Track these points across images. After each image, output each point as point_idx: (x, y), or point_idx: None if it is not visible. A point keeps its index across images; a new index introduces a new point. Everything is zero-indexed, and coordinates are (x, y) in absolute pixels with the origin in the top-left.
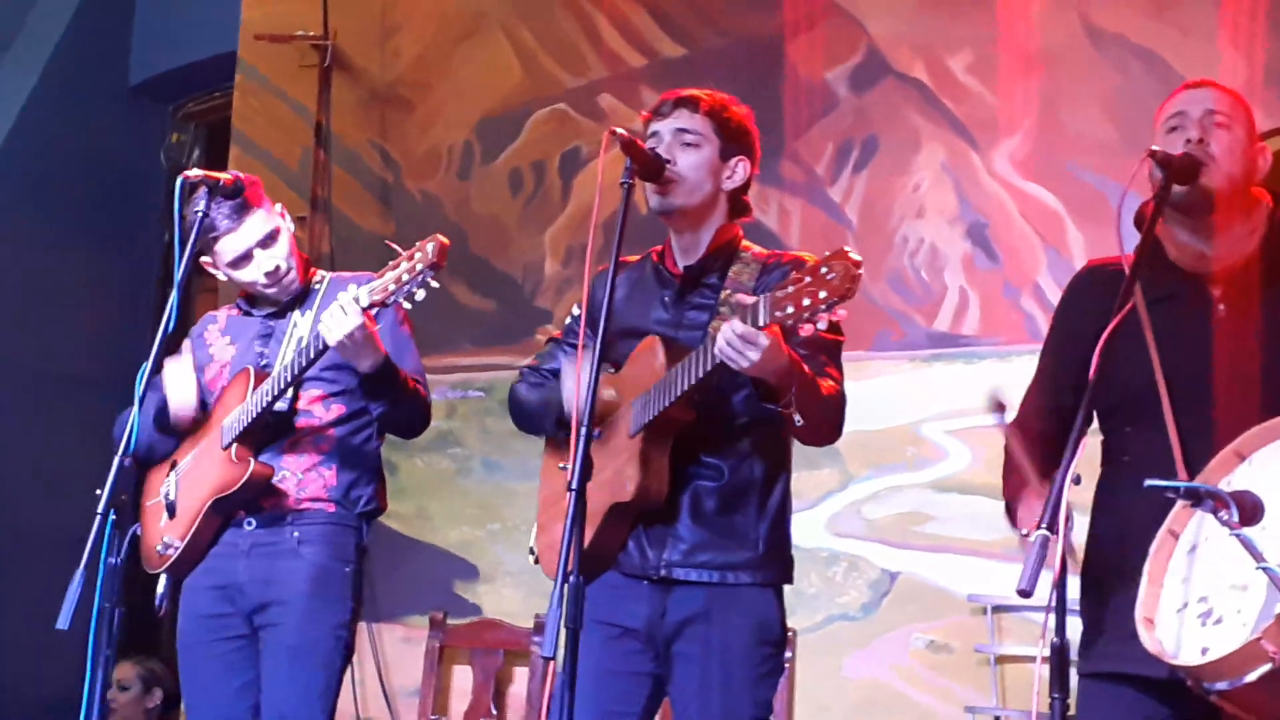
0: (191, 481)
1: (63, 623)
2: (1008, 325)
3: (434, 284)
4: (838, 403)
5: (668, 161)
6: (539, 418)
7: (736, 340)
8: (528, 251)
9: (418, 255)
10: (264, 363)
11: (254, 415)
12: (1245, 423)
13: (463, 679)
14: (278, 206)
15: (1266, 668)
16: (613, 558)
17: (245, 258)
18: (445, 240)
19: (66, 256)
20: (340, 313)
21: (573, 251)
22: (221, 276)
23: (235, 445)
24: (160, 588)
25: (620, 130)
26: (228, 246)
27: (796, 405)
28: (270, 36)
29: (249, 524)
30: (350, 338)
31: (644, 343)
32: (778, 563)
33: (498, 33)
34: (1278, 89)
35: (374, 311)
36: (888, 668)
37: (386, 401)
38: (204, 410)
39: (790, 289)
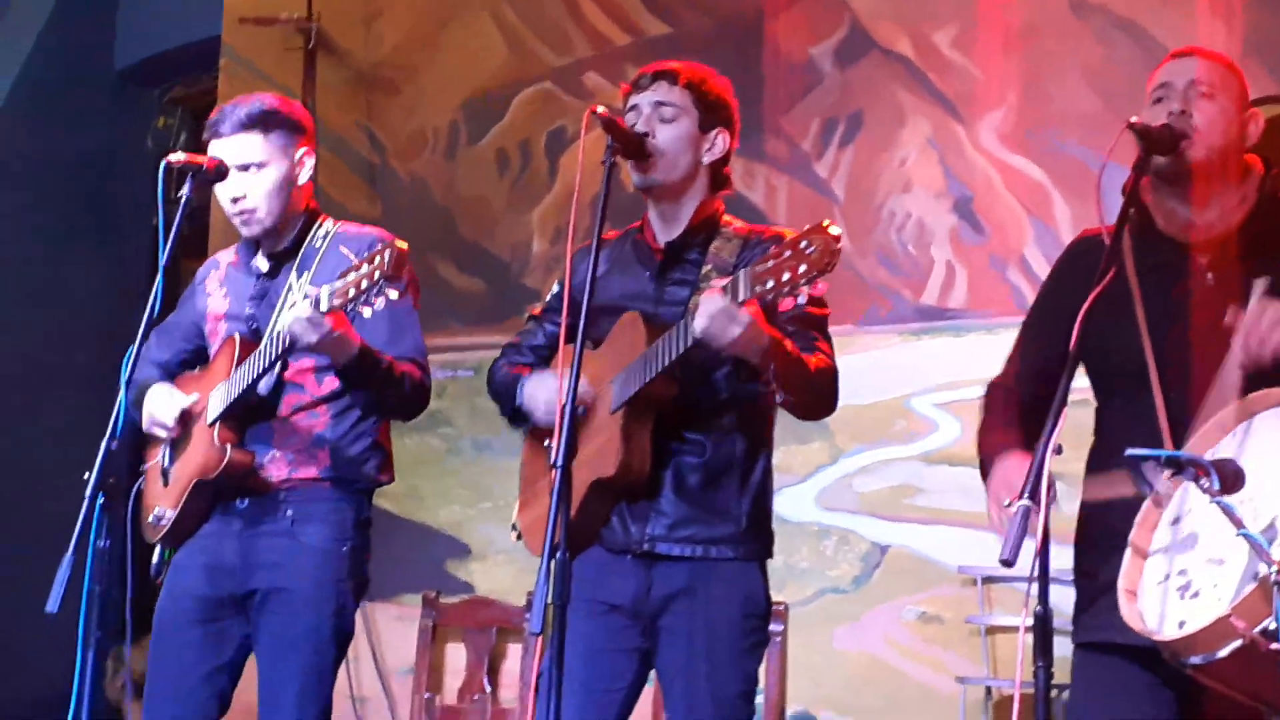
0: (184, 450)
1: (51, 606)
2: (995, 298)
3: (392, 293)
4: (828, 376)
5: (647, 136)
6: (501, 404)
7: (720, 316)
8: (515, 231)
9: (377, 261)
10: (254, 326)
11: (235, 396)
12: (1231, 394)
13: (456, 657)
14: (302, 151)
15: (1237, 644)
16: (596, 534)
17: (220, 173)
18: (403, 246)
19: (54, 243)
20: (300, 320)
21: (560, 231)
22: None
23: (219, 425)
24: (155, 556)
25: (601, 109)
26: (211, 152)
27: (779, 383)
28: (254, 20)
29: (241, 504)
30: (315, 344)
31: (624, 319)
32: (759, 537)
33: (482, 13)
34: (1257, 57)
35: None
36: (879, 640)
37: (367, 392)
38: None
39: (770, 263)
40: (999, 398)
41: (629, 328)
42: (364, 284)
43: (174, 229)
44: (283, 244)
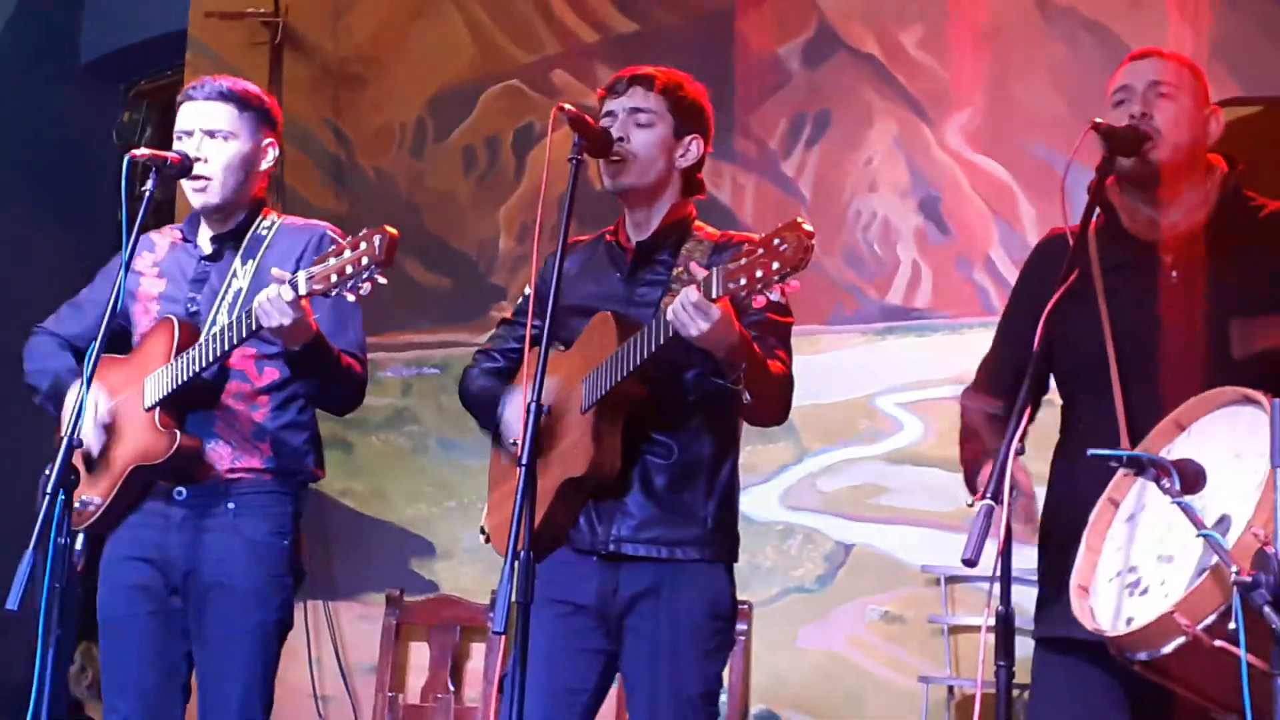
0: (112, 436)
1: (11, 603)
2: (960, 298)
3: (381, 280)
4: (786, 384)
5: (619, 139)
6: (478, 417)
7: (690, 307)
8: (482, 229)
9: (363, 247)
10: (193, 310)
11: (180, 383)
12: (1190, 391)
13: (420, 655)
14: (268, 141)
15: (1181, 640)
16: (564, 535)
17: (187, 134)
18: (394, 232)
19: (18, 237)
20: (279, 301)
21: (527, 228)
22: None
23: (159, 410)
24: (77, 544)
25: (568, 106)
26: (182, 115)
27: (746, 383)
28: (220, 14)
29: (179, 494)
30: (283, 329)
31: (596, 319)
32: (726, 540)
33: (450, 8)
34: (1224, 61)
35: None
36: (843, 639)
37: (314, 381)
38: (127, 344)
39: (743, 260)
40: (972, 406)
41: (600, 328)
42: (348, 269)
43: (137, 224)
44: (228, 226)
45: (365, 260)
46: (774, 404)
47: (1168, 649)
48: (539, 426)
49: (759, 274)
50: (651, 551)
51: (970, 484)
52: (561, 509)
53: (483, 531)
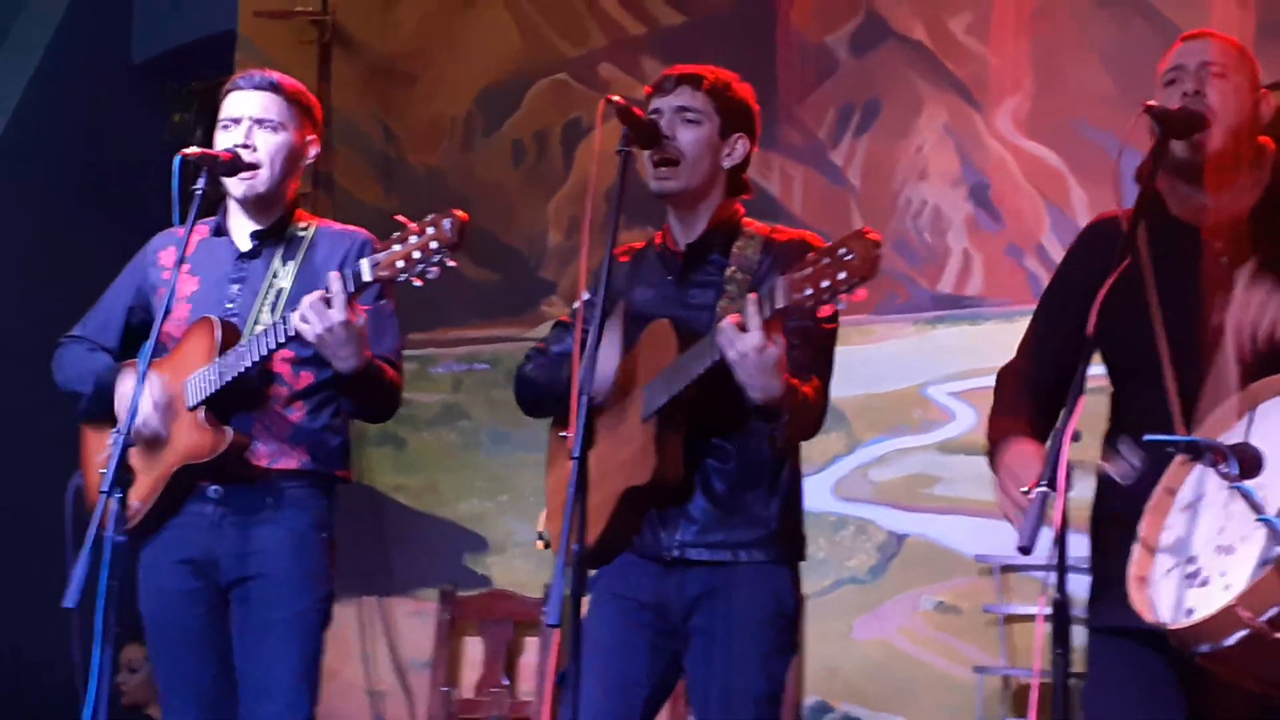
0: (155, 440)
1: (69, 601)
2: (1012, 286)
3: (451, 264)
4: (820, 410)
5: (667, 138)
6: (546, 393)
7: (749, 352)
8: (531, 223)
9: (431, 231)
10: (231, 309)
11: (226, 381)
12: (1245, 379)
13: (474, 650)
14: (310, 138)
15: (1243, 633)
16: (628, 542)
17: (234, 122)
18: (464, 215)
19: (71, 238)
20: (321, 306)
21: (576, 222)
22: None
23: (204, 410)
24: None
25: (616, 97)
26: (229, 103)
27: (786, 428)
28: (269, 13)
29: (215, 492)
30: (330, 332)
31: (653, 326)
32: (790, 540)
33: (497, 3)
34: (1272, 41)
35: (361, 295)
36: (896, 630)
37: (359, 402)
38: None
39: (809, 270)
40: (1008, 384)
41: (659, 335)
42: (416, 255)
43: (189, 222)
44: (268, 221)
45: (435, 244)
46: (806, 432)
47: (1230, 641)
48: (590, 418)
49: (825, 284)
50: (715, 555)
51: (992, 463)
52: (625, 518)
53: (541, 537)
